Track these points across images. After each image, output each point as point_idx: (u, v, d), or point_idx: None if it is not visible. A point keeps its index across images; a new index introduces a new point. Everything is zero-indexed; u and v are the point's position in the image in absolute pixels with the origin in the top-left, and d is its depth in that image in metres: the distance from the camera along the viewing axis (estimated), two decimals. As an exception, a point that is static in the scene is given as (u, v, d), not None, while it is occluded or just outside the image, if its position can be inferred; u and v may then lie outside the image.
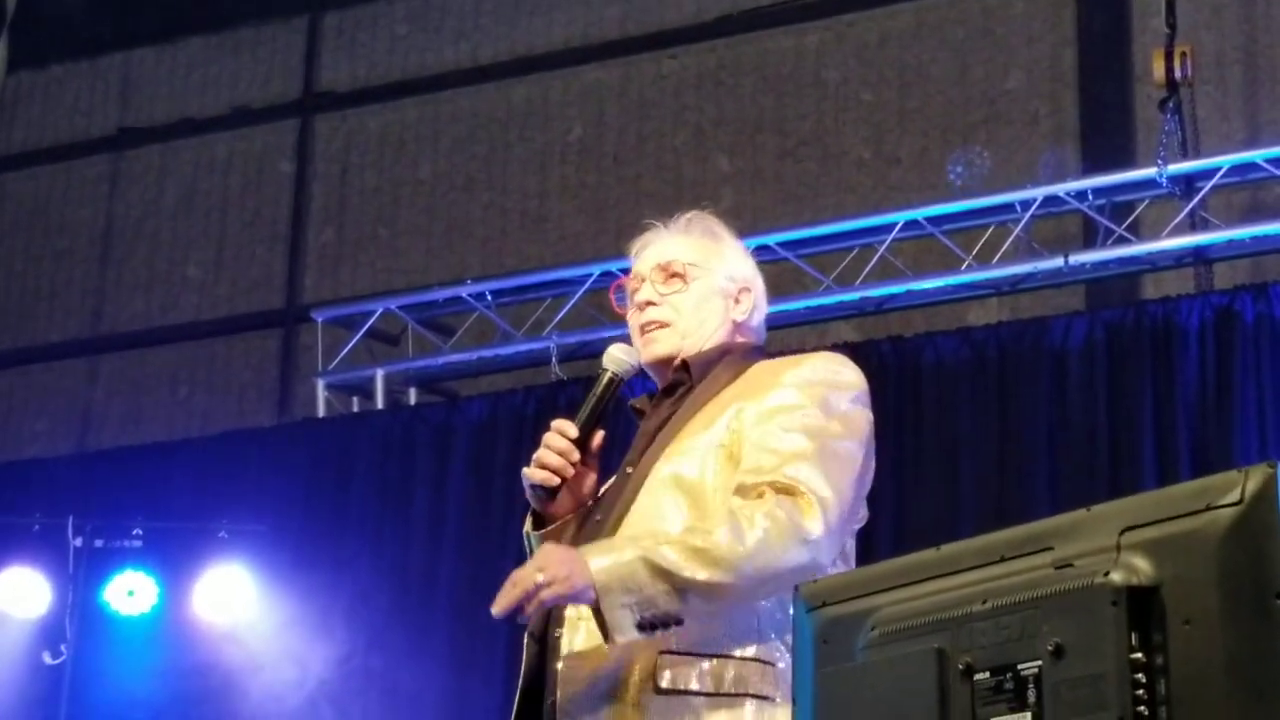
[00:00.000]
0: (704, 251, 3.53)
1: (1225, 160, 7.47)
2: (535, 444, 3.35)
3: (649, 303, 3.47)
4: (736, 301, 3.53)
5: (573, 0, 9.77)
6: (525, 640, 3.29)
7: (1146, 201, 7.72)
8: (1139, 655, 1.89)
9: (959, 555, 2.16)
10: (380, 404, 8.91)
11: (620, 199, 9.32)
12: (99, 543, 8.57)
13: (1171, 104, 7.60)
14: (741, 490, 3.14)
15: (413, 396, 9.06)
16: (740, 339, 3.51)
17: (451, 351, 8.84)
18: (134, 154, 10.71)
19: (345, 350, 8.97)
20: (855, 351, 7.99)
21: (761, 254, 8.13)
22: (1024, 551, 2.07)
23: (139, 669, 8.66)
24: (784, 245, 8.03)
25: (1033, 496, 7.23)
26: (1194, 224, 7.55)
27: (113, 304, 10.50)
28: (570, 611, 3.16)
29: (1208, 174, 7.47)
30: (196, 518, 8.60)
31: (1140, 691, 1.88)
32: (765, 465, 3.16)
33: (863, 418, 3.31)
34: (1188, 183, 7.53)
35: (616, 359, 3.43)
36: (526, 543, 3.42)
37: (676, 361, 3.44)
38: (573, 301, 8.37)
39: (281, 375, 9.97)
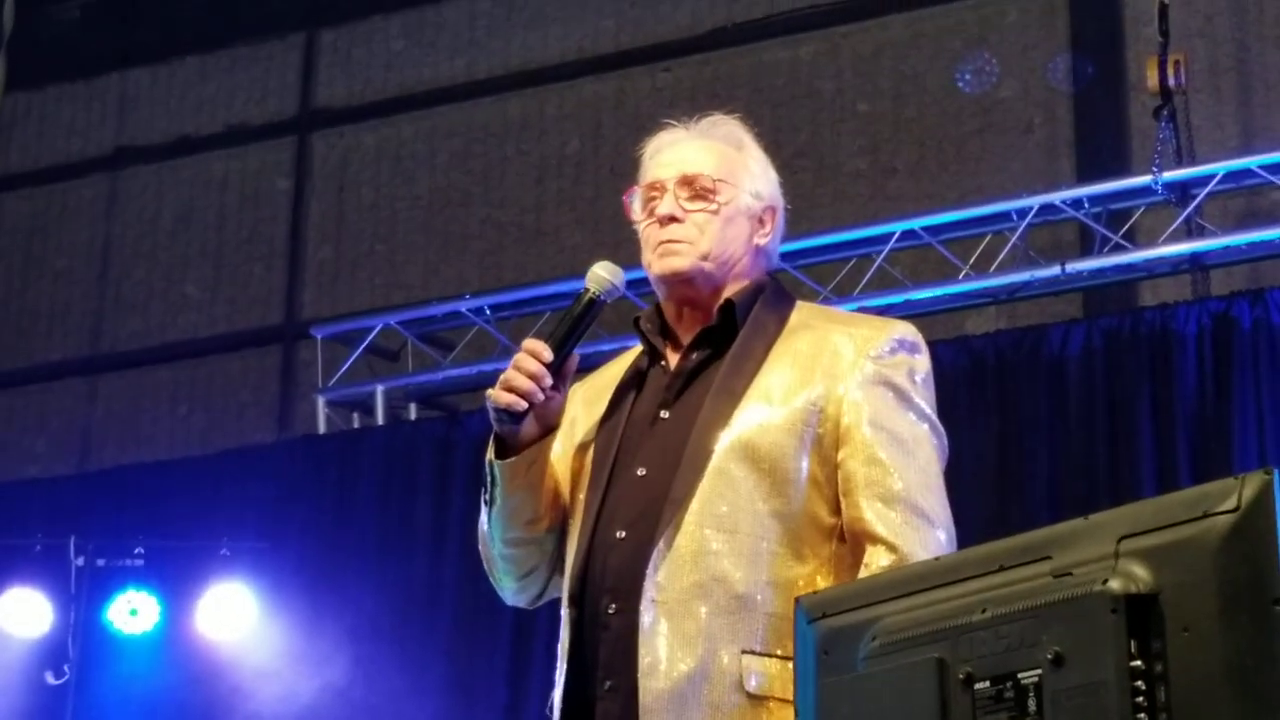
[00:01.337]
0: (730, 164, 3.29)
1: (1220, 167, 7.48)
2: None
3: (672, 218, 3.22)
4: (761, 223, 3.31)
5: (568, 14, 9.78)
6: (565, 606, 3.12)
7: (1142, 209, 7.74)
8: (1138, 663, 1.90)
9: (958, 565, 2.17)
10: (381, 420, 8.91)
11: (618, 211, 9.21)
12: (100, 562, 8.57)
13: (1166, 111, 7.62)
14: (877, 514, 3.00)
15: (413, 412, 9.06)
16: (760, 266, 3.30)
17: (451, 366, 8.84)
18: (131, 173, 10.71)
19: (345, 366, 8.98)
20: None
21: (759, 266, 8.15)
22: (1023, 560, 2.08)
23: (142, 688, 8.66)
24: (781, 256, 7.96)
25: (1033, 504, 7.24)
26: (1190, 231, 7.56)
27: (111, 323, 10.50)
28: (650, 593, 2.98)
29: (1203, 180, 7.48)
30: (198, 536, 8.60)
31: (1140, 699, 1.89)
32: (897, 487, 3.01)
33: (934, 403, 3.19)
34: (1183, 190, 7.54)
35: (600, 279, 3.20)
36: (489, 472, 3.20)
37: (720, 301, 3.21)
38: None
39: (281, 392, 9.97)
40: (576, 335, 3.16)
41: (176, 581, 8.60)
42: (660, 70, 9.49)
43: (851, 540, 3.04)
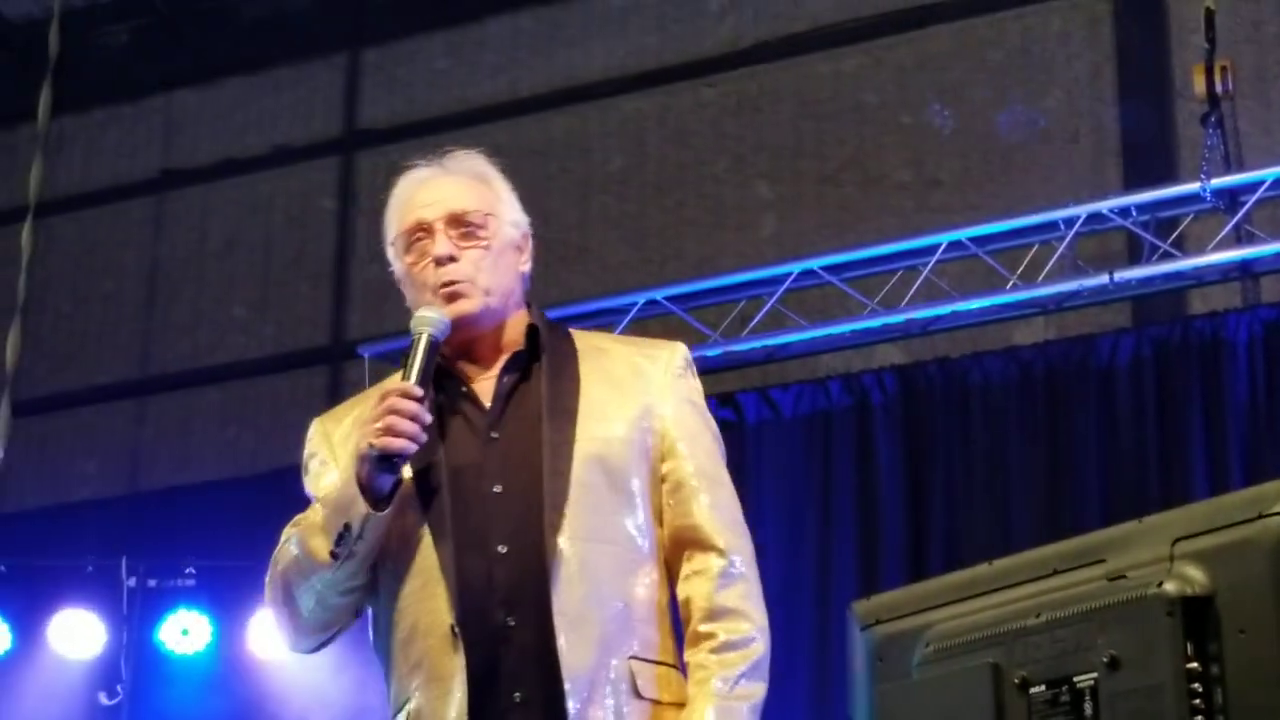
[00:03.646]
0: (488, 198, 3.41)
1: (1269, 173, 7.42)
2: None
3: (450, 257, 3.30)
4: (521, 251, 3.43)
5: (610, 31, 9.79)
6: (456, 627, 3.08)
7: (1191, 216, 7.69)
8: (1195, 665, 1.89)
9: (1012, 570, 2.16)
10: (427, 438, 8.91)
11: (662, 228, 9.33)
12: (152, 583, 8.60)
13: (1213, 118, 7.57)
14: (707, 520, 3.21)
15: (460, 430, 9.05)
16: (522, 291, 3.42)
17: (498, 384, 8.83)
18: (177, 195, 10.76)
19: (392, 385, 8.98)
20: (902, 374, 8.00)
21: (805, 279, 8.13)
22: (1077, 564, 2.07)
23: (195, 708, 8.68)
24: (827, 269, 8.02)
25: (1084, 516, 7.20)
26: (1239, 238, 7.52)
27: (160, 345, 10.54)
28: (555, 603, 3.07)
29: (1252, 187, 7.43)
30: (248, 556, 8.58)
31: (1197, 701, 1.87)
32: (720, 496, 3.25)
33: None
34: (1232, 197, 7.49)
35: (431, 320, 3.22)
36: (360, 526, 3.14)
37: (524, 326, 3.33)
38: (617, 331, 8.36)
39: (329, 412, 9.97)
40: (430, 375, 3.20)
41: (228, 601, 8.62)
42: (703, 86, 9.49)
43: (676, 546, 3.22)
